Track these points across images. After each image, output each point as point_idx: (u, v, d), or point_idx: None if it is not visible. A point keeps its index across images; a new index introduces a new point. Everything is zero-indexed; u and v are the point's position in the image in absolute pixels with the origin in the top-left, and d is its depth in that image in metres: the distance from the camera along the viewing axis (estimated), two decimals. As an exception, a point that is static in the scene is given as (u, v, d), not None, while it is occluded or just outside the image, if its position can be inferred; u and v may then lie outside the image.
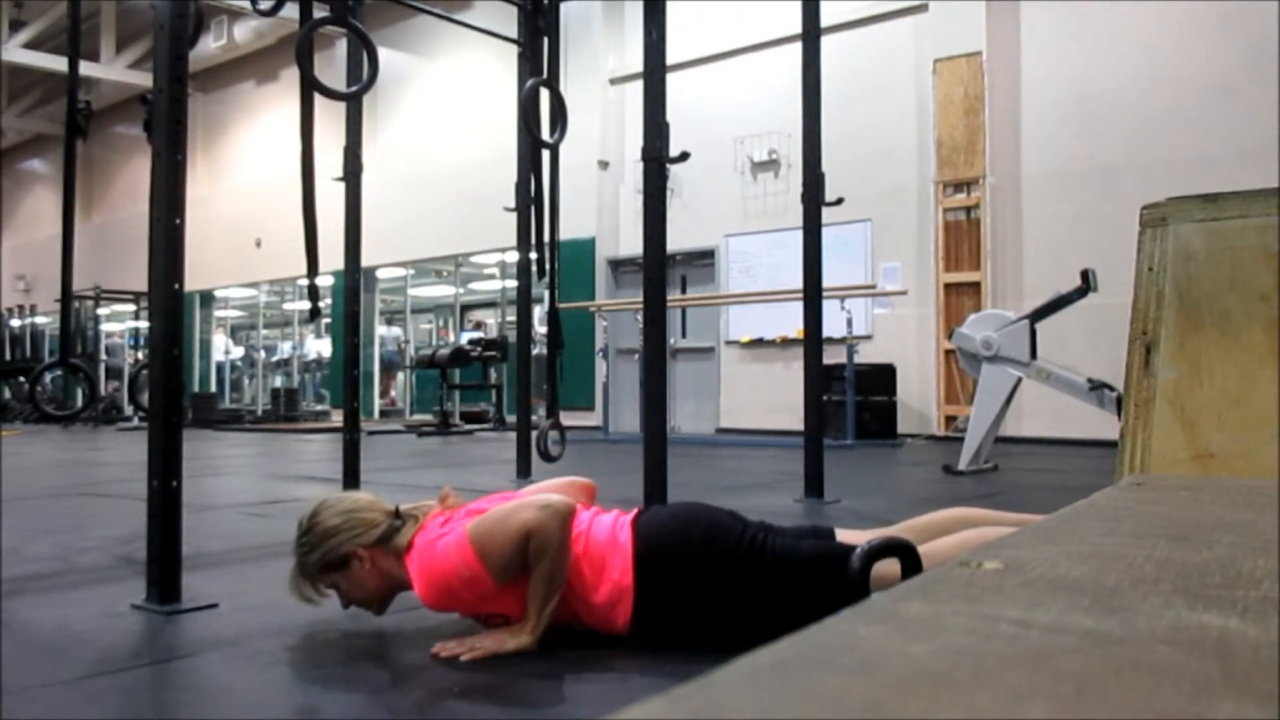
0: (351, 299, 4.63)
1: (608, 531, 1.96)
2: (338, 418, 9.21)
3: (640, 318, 3.60)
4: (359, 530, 1.96)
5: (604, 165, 11.42)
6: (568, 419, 5.06)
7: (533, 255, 4.72)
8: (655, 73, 3.41)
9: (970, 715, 0.34)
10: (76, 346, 10.13)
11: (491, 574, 1.82)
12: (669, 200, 3.72)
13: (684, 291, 10.81)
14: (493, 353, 11.14)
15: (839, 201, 4.36)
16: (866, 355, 8.87)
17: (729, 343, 10.50)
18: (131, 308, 14.96)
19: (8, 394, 15.35)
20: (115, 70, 15.54)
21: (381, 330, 14.93)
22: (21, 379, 14.52)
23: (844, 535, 1.99)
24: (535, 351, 7.39)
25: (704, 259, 10.81)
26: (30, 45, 15.08)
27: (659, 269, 3.46)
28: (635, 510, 2.04)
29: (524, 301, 5.55)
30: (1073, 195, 8.46)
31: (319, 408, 14.88)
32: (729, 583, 1.89)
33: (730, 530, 1.94)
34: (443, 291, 15.83)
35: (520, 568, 1.83)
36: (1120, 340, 1.47)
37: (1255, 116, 7.59)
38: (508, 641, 1.80)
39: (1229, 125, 7.75)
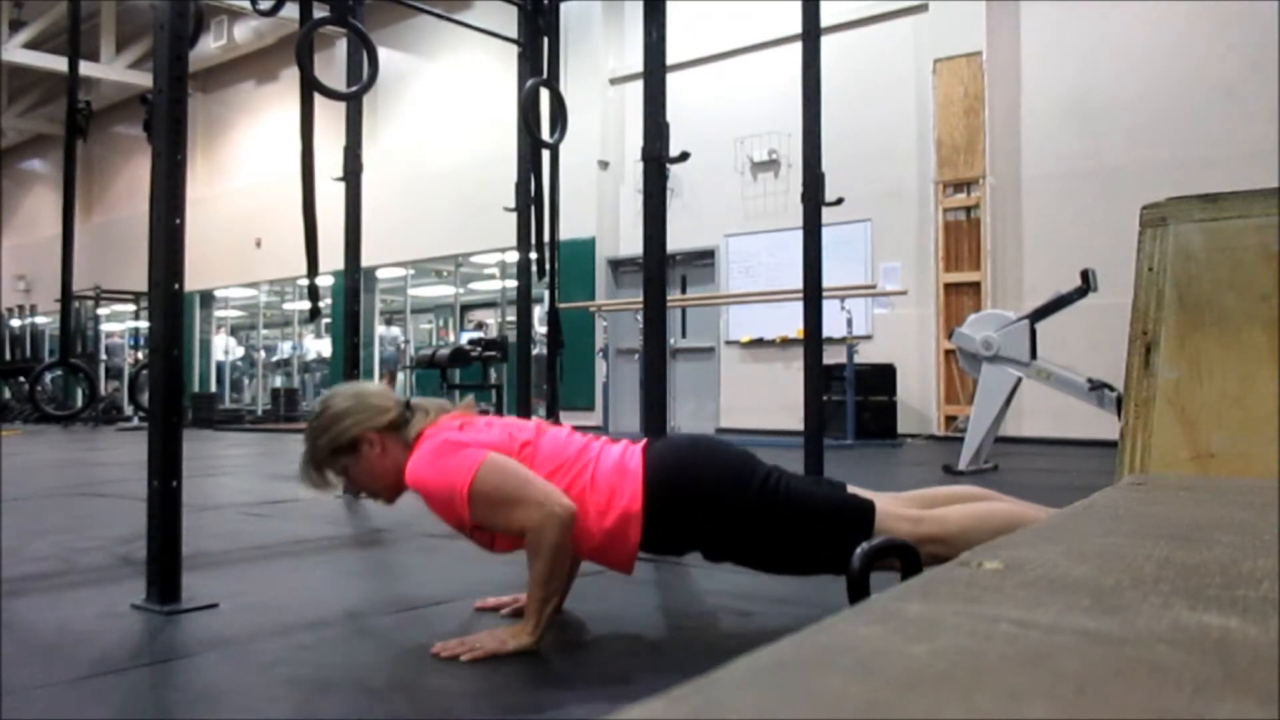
0: (351, 299, 4.62)
1: (616, 459, 1.94)
2: (338, 418, 9.18)
3: (640, 318, 3.60)
4: (369, 414, 1.97)
5: (604, 165, 11.42)
6: (568, 419, 5.05)
7: (533, 255, 4.72)
8: (655, 73, 3.41)
9: (970, 715, 0.34)
10: (76, 346, 10.14)
11: (474, 521, 1.86)
12: (669, 200, 3.71)
13: (684, 291, 10.81)
14: (493, 353, 11.12)
15: (839, 201, 4.36)
16: (866, 355, 8.87)
17: (729, 343, 10.50)
18: (131, 308, 14.95)
19: (8, 394, 15.34)
20: (115, 70, 15.54)
21: (380, 330, 14.92)
22: (21, 379, 14.50)
23: (854, 492, 1.99)
24: (535, 351, 7.39)
25: (704, 259, 10.81)
26: (30, 45, 15.08)
27: (659, 269, 3.46)
28: (644, 440, 2.03)
29: (524, 301, 5.55)
30: (1073, 195, 8.46)
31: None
32: (739, 520, 1.87)
33: (744, 467, 1.92)
34: (443, 291, 15.82)
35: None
36: (1120, 340, 1.47)
37: (1255, 117, 7.59)
38: (508, 642, 1.80)
39: (1229, 125, 7.75)
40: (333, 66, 11.11)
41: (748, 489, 1.87)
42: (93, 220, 18.11)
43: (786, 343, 9.79)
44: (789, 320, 8.86)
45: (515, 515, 1.82)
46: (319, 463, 1.99)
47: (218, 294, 16.97)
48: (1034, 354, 5.45)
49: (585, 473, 1.91)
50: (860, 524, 1.84)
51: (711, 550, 1.95)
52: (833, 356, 7.26)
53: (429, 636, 1.89)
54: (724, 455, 1.96)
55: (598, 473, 1.91)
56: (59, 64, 14.01)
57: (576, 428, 2.13)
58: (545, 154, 4.50)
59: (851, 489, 1.98)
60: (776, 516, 1.87)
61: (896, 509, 1.89)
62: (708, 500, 1.88)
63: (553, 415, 4.69)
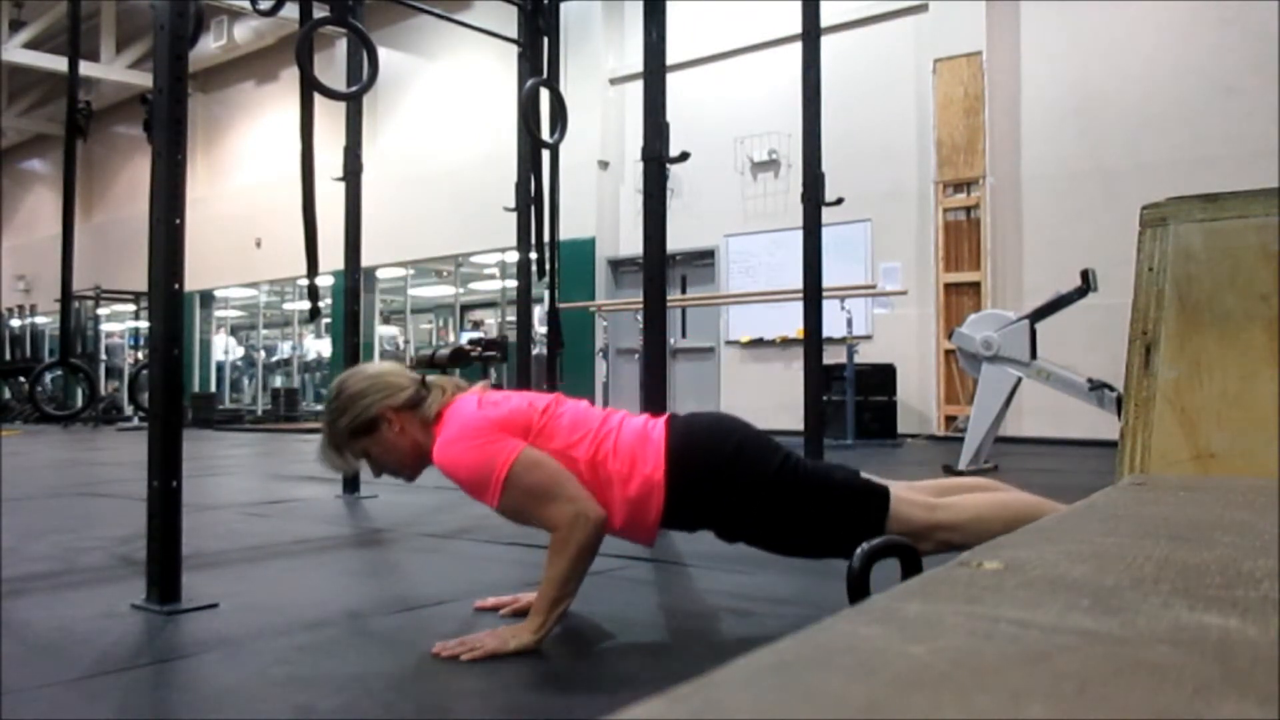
0: (351, 299, 4.62)
1: (639, 429, 1.95)
2: (338, 418, 9.18)
3: (640, 318, 3.60)
4: (387, 393, 1.98)
5: (604, 165, 11.42)
6: (568, 419, 5.05)
7: (533, 255, 4.72)
8: (655, 73, 3.41)
9: (970, 715, 0.34)
10: (76, 346, 10.13)
11: (502, 508, 1.87)
12: (669, 200, 3.71)
13: (684, 291, 10.81)
14: (493, 353, 11.12)
15: (839, 201, 4.36)
16: (866, 355, 8.86)
17: (729, 343, 10.50)
18: (131, 308, 14.95)
19: (8, 394, 15.34)
20: (115, 70, 15.52)
21: (379, 330, 14.92)
22: (21, 379, 14.50)
23: (868, 478, 1.99)
24: (535, 351, 7.40)
25: (704, 259, 10.80)
26: (30, 45, 15.07)
27: (659, 269, 3.46)
28: (667, 414, 2.04)
29: (524, 301, 5.54)
30: (1073, 195, 8.46)
31: (319, 408, 14.86)
32: (756, 496, 1.87)
33: (765, 447, 1.93)
34: (443, 291, 15.81)
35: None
36: (1120, 340, 1.47)
37: (1256, 116, 7.59)
38: (509, 641, 1.79)
39: (1229, 125, 7.75)
40: (333, 66, 11.11)
41: (767, 466, 1.88)
42: (93, 220, 18.10)
43: (786, 343, 9.79)
44: (789, 320, 8.86)
45: (547, 510, 1.83)
46: (339, 445, 2.01)
47: (218, 294, 16.96)
48: (1034, 354, 5.45)
49: (608, 440, 1.92)
50: (876, 509, 1.85)
51: (726, 527, 1.95)
52: (833, 356, 7.26)
53: (429, 636, 1.89)
54: (745, 433, 1.97)
55: (620, 440, 1.92)
56: (59, 64, 14.00)
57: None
58: (545, 154, 4.50)
59: (865, 475, 1.99)
60: (794, 495, 1.87)
61: (911, 495, 1.90)
62: (727, 474, 1.88)
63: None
